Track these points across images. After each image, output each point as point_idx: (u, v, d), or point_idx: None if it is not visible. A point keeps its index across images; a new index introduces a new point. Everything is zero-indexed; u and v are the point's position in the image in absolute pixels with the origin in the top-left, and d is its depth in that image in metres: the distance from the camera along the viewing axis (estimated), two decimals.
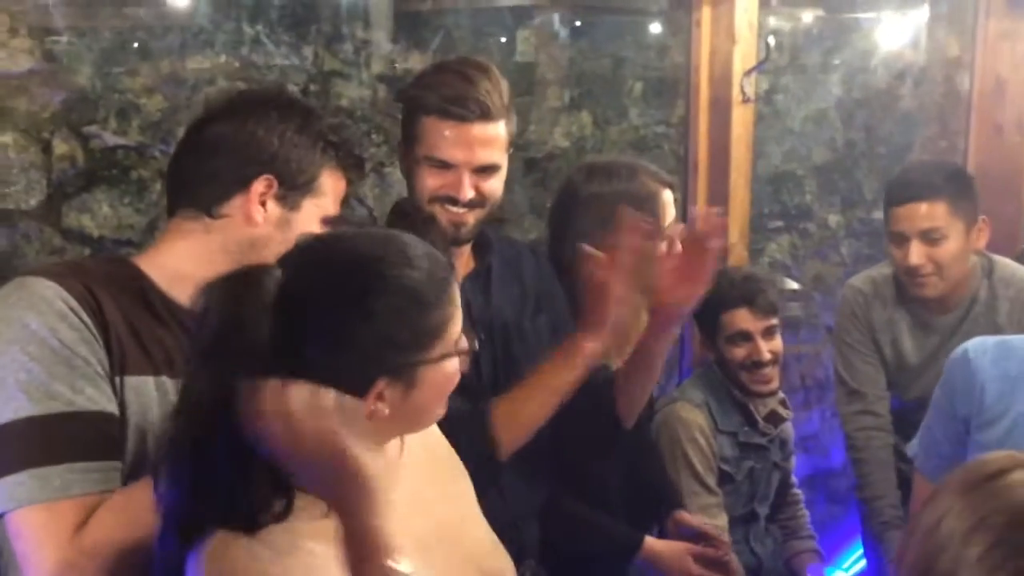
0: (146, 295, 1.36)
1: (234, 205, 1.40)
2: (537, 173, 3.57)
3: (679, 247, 1.70)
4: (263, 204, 1.40)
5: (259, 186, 1.39)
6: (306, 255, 1.14)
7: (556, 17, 3.57)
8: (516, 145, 3.52)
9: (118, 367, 1.29)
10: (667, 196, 2.11)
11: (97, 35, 2.48)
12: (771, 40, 2.78)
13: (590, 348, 1.63)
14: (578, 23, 3.63)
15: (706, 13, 2.81)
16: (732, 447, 2.54)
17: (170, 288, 1.38)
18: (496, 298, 1.84)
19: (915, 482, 1.85)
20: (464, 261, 1.83)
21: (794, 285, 4.36)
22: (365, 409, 1.08)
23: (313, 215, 1.44)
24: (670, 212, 2.12)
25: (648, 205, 2.04)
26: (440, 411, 1.21)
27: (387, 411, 1.10)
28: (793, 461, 2.78)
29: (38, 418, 1.21)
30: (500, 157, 1.75)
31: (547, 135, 3.56)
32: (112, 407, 1.26)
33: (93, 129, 2.50)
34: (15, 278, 1.33)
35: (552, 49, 3.56)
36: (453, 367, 1.16)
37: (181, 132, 2.71)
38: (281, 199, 1.42)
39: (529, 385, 1.67)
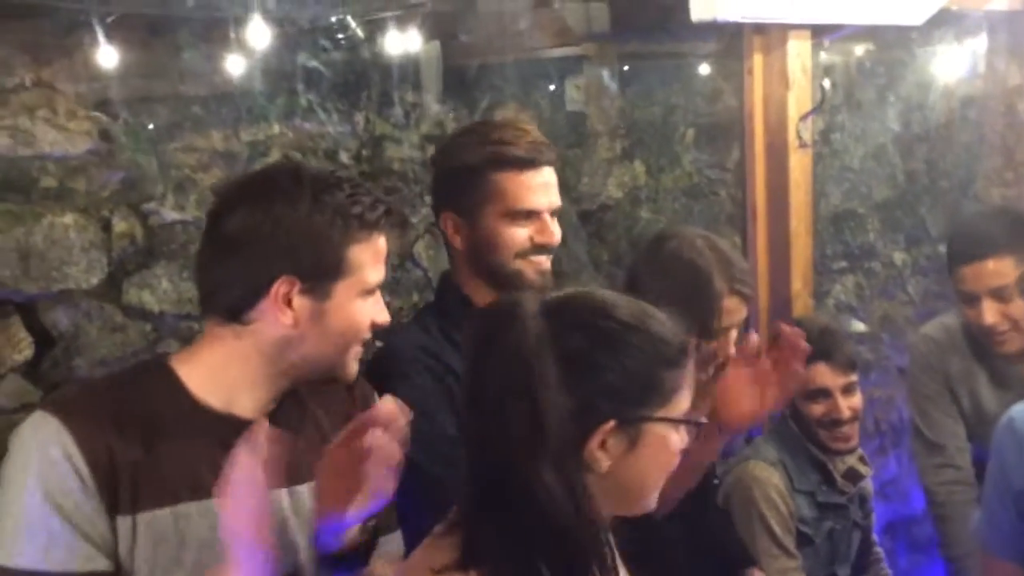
0: (178, 406, 1.34)
1: (260, 310, 1.34)
2: (592, 225, 3.54)
3: (745, 360, 1.65)
4: (289, 304, 1.33)
5: (280, 288, 1.32)
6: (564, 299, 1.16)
7: (604, 67, 3.56)
8: (569, 197, 3.52)
9: (129, 506, 1.27)
10: (733, 304, 2.02)
11: (152, 112, 2.52)
12: (826, 84, 2.72)
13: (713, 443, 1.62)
14: (626, 71, 3.61)
15: (758, 60, 2.76)
16: (810, 507, 2.43)
17: (204, 393, 1.35)
18: None
19: (984, 562, 1.74)
20: None
21: (861, 327, 4.25)
22: (586, 451, 1.09)
23: (350, 296, 1.37)
24: (734, 319, 2.03)
25: (712, 306, 1.96)
26: (654, 495, 1.18)
27: (606, 464, 1.09)
28: (873, 518, 2.66)
29: (35, 573, 1.23)
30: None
31: (600, 186, 3.53)
32: (103, 564, 1.26)
33: (151, 206, 2.53)
34: (38, 410, 1.31)
35: (601, 100, 3.54)
36: (678, 438, 1.14)
37: None
38: (308, 292, 1.34)
39: None
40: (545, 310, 1.11)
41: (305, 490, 1.41)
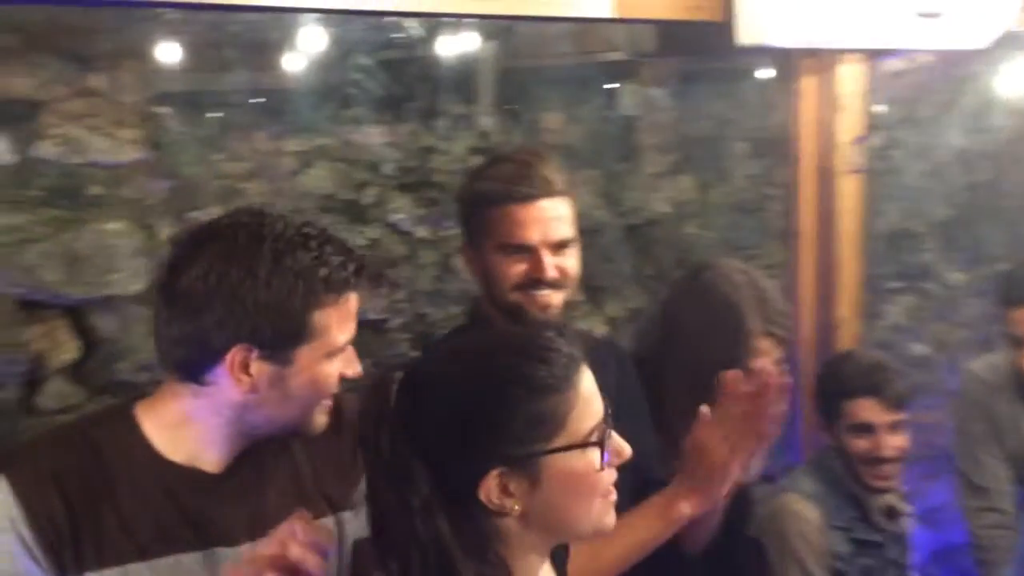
0: (138, 460, 1.30)
1: (216, 373, 1.26)
2: (638, 240, 3.51)
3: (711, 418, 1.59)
4: (246, 370, 1.25)
5: (235, 356, 1.24)
6: (428, 359, 1.18)
7: (655, 79, 3.52)
8: (615, 211, 3.50)
9: (91, 562, 1.25)
10: (765, 345, 1.97)
11: (200, 123, 2.55)
12: (878, 108, 2.65)
13: (685, 510, 1.55)
14: (678, 83, 3.57)
15: (807, 82, 2.69)
16: (845, 543, 2.37)
17: (164, 445, 1.32)
18: None
19: None
20: None
21: (920, 349, 4.15)
22: (485, 500, 1.06)
23: (315, 359, 1.28)
24: (766, 360, 1.98)
25: (743, 344, 1.92)
26: (593, 518, 1.14)
27: (518, 507, 1.07)
28: (911, 556, 2.60)
29: None
30: (572, 232, 1.71)
31: (647, 200, 3.50)
32: None
33: (196, 215, 2.57)
34: None
35: (652, 113, 3.50)
36: (584, 461, 1.09)
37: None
38: (267, 359, 1.26)
39: (615, 531, 1.61)
40: (409, 383, 1.10)
41: None
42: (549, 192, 1.66)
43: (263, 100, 2.65)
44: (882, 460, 2.30)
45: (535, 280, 1.67)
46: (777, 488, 2.46)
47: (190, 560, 1.31)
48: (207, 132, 2.57)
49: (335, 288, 1.26)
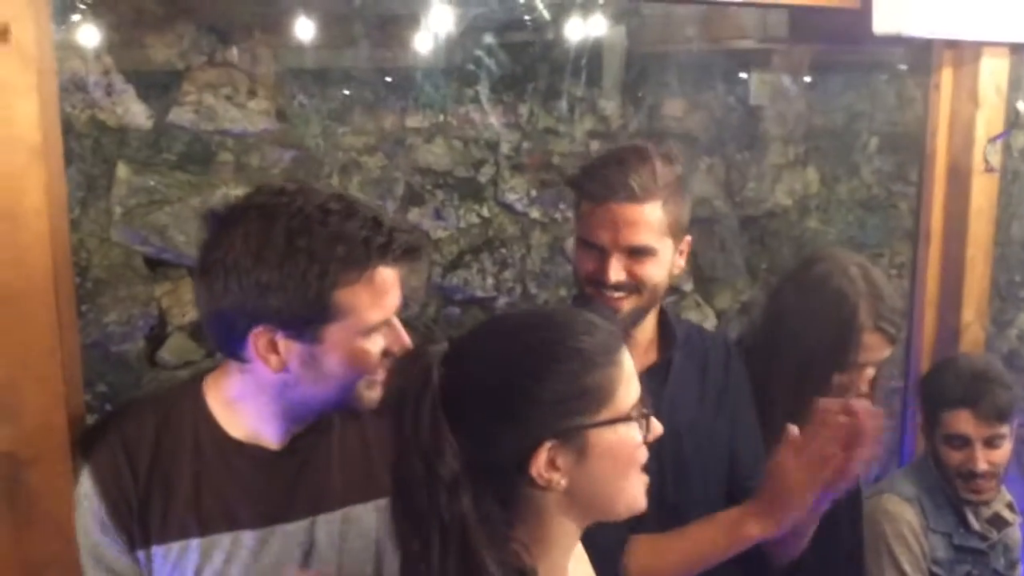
0: (200, 436, 1.33)
1: (250, 352, 1.26)
2: (755, 231, 3.43)
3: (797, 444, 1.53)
4: (274, 350, 1.24)
5: (257, 340, 1.23)
6: (470, 334, 1.15)
7: (787, 67, 3.41)
8: (733, 202, 3.42)
9: (156, 536, 1.31)
10: (874, 340, 1.90)
11: (326, 96, 2.62)
12: (1021, 105, 2.51)
13: (752, 531, 1.51)
14: (810, 74, 3.46)
15: (946, 75, 2.57)
16: (945, 549, 2.29)
17: (224, 419, 1.35)
18: (672, 397, 1.74)
19: None
20: (641, 355, 1.75)
21: None
22: (536, 475, 1.07)
23: (348, 337, 1.26)
24: (874, 356, 1.91)
25: (852, 337, 1.86)
26: (630, 494, 1.15)
27: (564, 482, 1.08)
28: (1019, 568, 2.48)
29: None
30: (653, 240, 1.66)
31: (768, 192, 3.41)
32: None
33: (317, 185, 2.64)
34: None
35: (780, 103, 3.40)
36: (628, 436, 1.11)
37: (398, 190, 2.91)
38: (296, 337, 1.24)
39: (677, 540, 1.58)
40: (448, 357, 1.09)
41: (333, 517, 1.38)
42: (631, 197, 1.62)
43: (388, 76, 2.69)
44: (974, 474, 2.21)
45: (600, 280, 1.67)
46: (876, 489, 2.39)
47: (249, 537, 1.34)
48: (332, 106, 2.63)
49: (357, 264, 1.22)
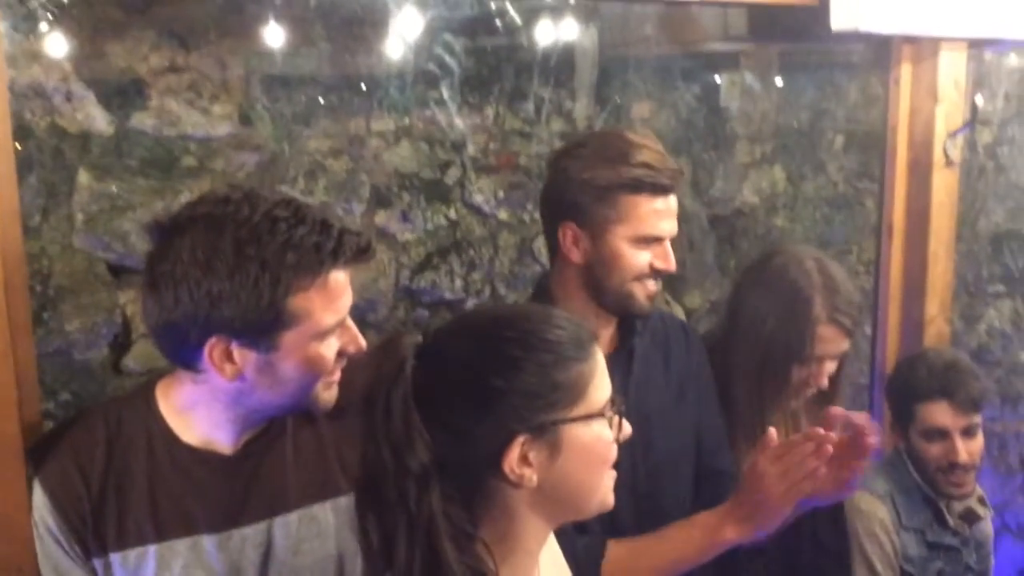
0: (153, 443, 1.33)
1: (205, 363, 1.25)
2: (724, 230, 3.45)
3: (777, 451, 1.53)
4: (229, 359, 1.23)
5: (212, 350, 1.22)
6: (444, 327, 1.15)
7: (752, 68, 3.44)
8: (701, 201, 3.44)
9: (113, 544, 1.31)
10: (830, 333, 1.92)
11: (290, 99, 2.61)
12: (979, 100, 2.54)
13: (729, 535, 1.52)
14: (776, 74, 3.48)
15: (905, 70, 2.59)
16: (918, 546, 2.30)
17: (176, 426, 1.34)
18: (638, 383, 1.75)
19: None
20: (605, 343, 1.76)
21: (1022, 356, 3.97)
22: (508, 471, 1.07)
23: (302, 342, 1.25)
24: (830, 349, 1.93)
25: (807, 330, 1.88)
26: (600, 492, 1.15)
27: (535, 478, 1.07)
28: (991, 563, 2.49)
29: None
30: None
31: (735, 191, 3.43)
32: None
33: (283, 189, 2.63)
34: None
35: (744, 102, 3.43)
36: (601, 433, 1.11)
37: (365, 192, 2.91)
38: (250, 346, 1.23)
39: (655, 543, 1.58)
40: (423, 350, 1.09)
41: (291, 519, 1.37)
42: (678, 183, 1.65)
43: (352, 79, 2.69)
44: (955, 466, 2.22)
45: (659, 271, 1.67)
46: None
47: (208, 541, 1.34)
48: (296, 109, 2.63)
49: (309, 270, 1.22)
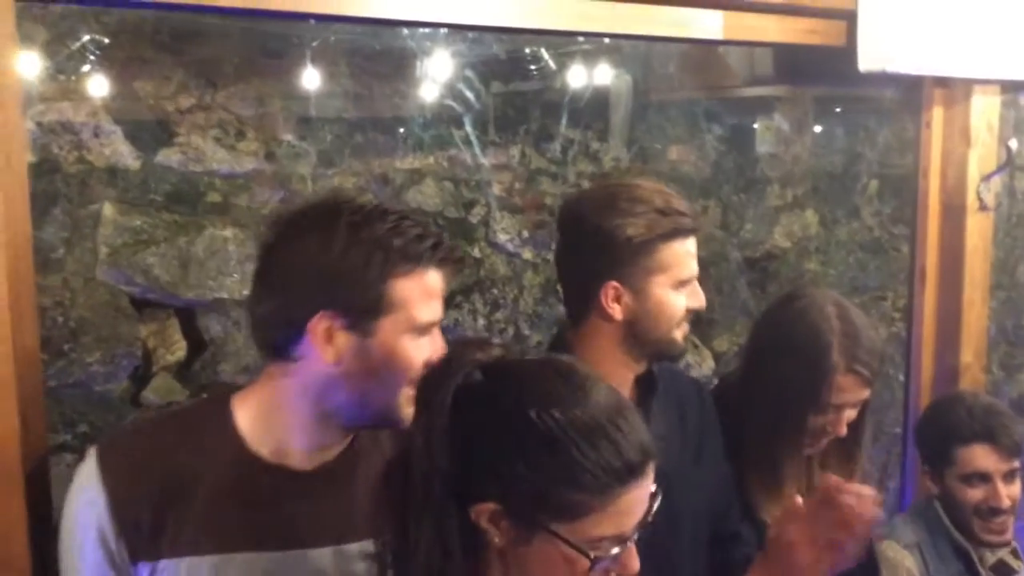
0: (222, 453, 1.32)
1: (304, 346, 1.28)
2: (754, 274, 3.40)
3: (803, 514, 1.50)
4: (330, 341, 1.27)
5: (319, 324, 1.26)
6: (529, 359, 1.14)
7: (781, 112, 3.41)
8: (731, 244, 3.41)
9: (167, 550, 1.28)
10: (848, 382, 1.84)
11: (316, 138, 2.63)
12: (1013, 144, 2.48)
13: None
14: (805, 115, 3.45)
15: (937, 112, 2.55)
16: None
17: (253, 436, 1.33)
18: (655, 443, 1.71)
19: None
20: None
21: None
22: (473, 516, 1.04)
23: (397, 333, 1.29)
24: (848, 398, 1.88)
25: (824, 378, 1.83)
26: None
27: (499, 541, 1.04)
28: None
29: None
30: None
31: (766, 234, 3.39)
32: None
33: None
34: (90, 450, 1.34)
35: (776, 145, 3.39)
36: (576, 561, 1.03)
37: None
38: (351, 328, 1.27)
39: None
40: (496, 369, 1.07)
41: (355, 549, 1.35)
42: (699, 224, 1.67)
43: (378, 117, 2.70)
44: (997, 511, 2.14)
45: (691, 311, 1.66)
46: (875, 535, 2.31)
47: (267, 560, 1.31)
48: (321, 147, 2.65)
49: (411, 258, 1.27)
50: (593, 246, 1.67)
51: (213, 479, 1.30)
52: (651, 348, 1.66)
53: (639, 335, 1.65)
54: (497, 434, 1.04)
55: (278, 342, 1.31)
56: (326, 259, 1.25)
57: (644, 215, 1.62)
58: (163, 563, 1.29)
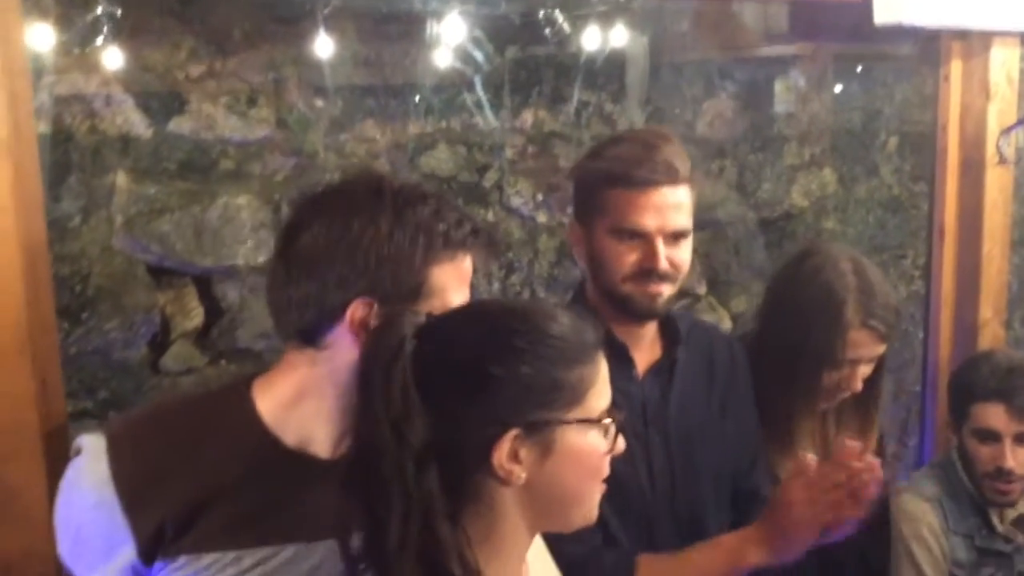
0: (245, 443, 1.26)
1: (336, 334, 1.22)
2: (772, 234, 3.38)
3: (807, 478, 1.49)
4: (364, 327, 1.21)
5: (356, 311, 1.20)
6: (450, 312, 1.13)
7: (799, 71, 3.37)
8: (747, 204, 3.38)
9: (190, 545, 1.22)
10: (862, 337, 1.81)
11: (328, 103, 2.63)
12: None
13: (752, 558, 1.47)
14: (823, 73, 3.40)
15: (955, 66, 2.50)
16: (967, 550, 2.20)
17: (277, 424, 1.27)
18: (680, 397, 1.68)
19: None
20: (646, 351, 1.67)
21: None
22: (496, 465, 1.02)
23: None
24: (863, 353, 1.85)
25: (838, 334, 1.81)
26: (587, 504, 1.10)
27: (522, 475, 1.03)
28: None
29: None
30: (689, 222, 1.62)
31: (783, 194, 3.36)
32: None
33: None
34: (101, 431, 1.27)
35: (794, 104, 3.35)
36: (596, 442, 1.07)
37: None
38: None
39: (679, 564, 1.53)
40: (425, 330, 1.06)
41: None
42: (671, 179, 1.56)
43: (390, 83, 2.69)
44: (1002, 472, 2.13)
45: (648, 270, 1.60)
46: (896, 488, 2.32)
47: (292, 552, 1.27)
48: (334, 113, 2.64)
49: (453, 245, 1.22)
50: (574, 188, 1.68)
51: (233, 470, 1.25)
52: (612, 300, 1.61)
53: (598, 282, 1.62)
54: (476, 367, 1.04)
55: (308, 329, 1.24)
56: (371, 241, 1.18)
57: (596, 157, 1.61)
58: (182, 559, 1.24)
